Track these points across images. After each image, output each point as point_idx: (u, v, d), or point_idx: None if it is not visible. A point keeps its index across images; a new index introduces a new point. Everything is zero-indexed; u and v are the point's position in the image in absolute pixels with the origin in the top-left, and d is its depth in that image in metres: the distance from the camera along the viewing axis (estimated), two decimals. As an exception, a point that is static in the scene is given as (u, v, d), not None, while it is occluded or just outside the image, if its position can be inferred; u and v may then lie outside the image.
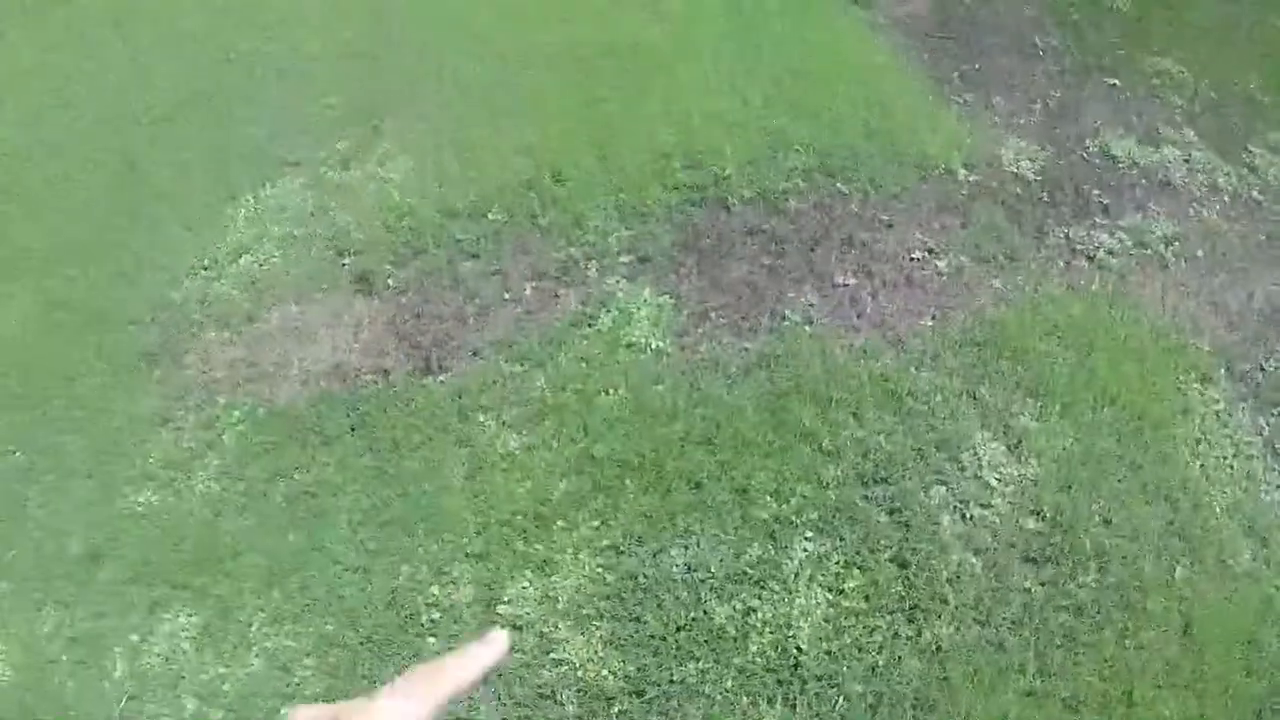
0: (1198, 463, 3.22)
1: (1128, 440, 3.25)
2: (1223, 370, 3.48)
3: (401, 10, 5.66)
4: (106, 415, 3.54)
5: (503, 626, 2.73)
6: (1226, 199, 4.14)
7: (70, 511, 3.24)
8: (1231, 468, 3.23)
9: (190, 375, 3.62)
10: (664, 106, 4.48)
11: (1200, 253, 3.89)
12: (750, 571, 2.87)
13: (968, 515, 3.02)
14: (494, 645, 0.67)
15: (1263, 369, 3.51)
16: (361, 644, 2.78)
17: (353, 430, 3.30)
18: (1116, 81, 4.81)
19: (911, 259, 3.72)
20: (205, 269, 4.00)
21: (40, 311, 4.09)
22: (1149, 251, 3.88)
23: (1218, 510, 3.11)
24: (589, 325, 3.53)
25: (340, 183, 4.22)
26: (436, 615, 2.81)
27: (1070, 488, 3.10)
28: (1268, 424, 3.35)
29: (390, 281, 3.80)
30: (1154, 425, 3.29)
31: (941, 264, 3.71)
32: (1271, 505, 3.14)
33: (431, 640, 2.76)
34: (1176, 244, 3.92)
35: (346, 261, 3.92)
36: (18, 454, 3.49)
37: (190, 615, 2.89)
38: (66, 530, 3.19)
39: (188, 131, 4.88)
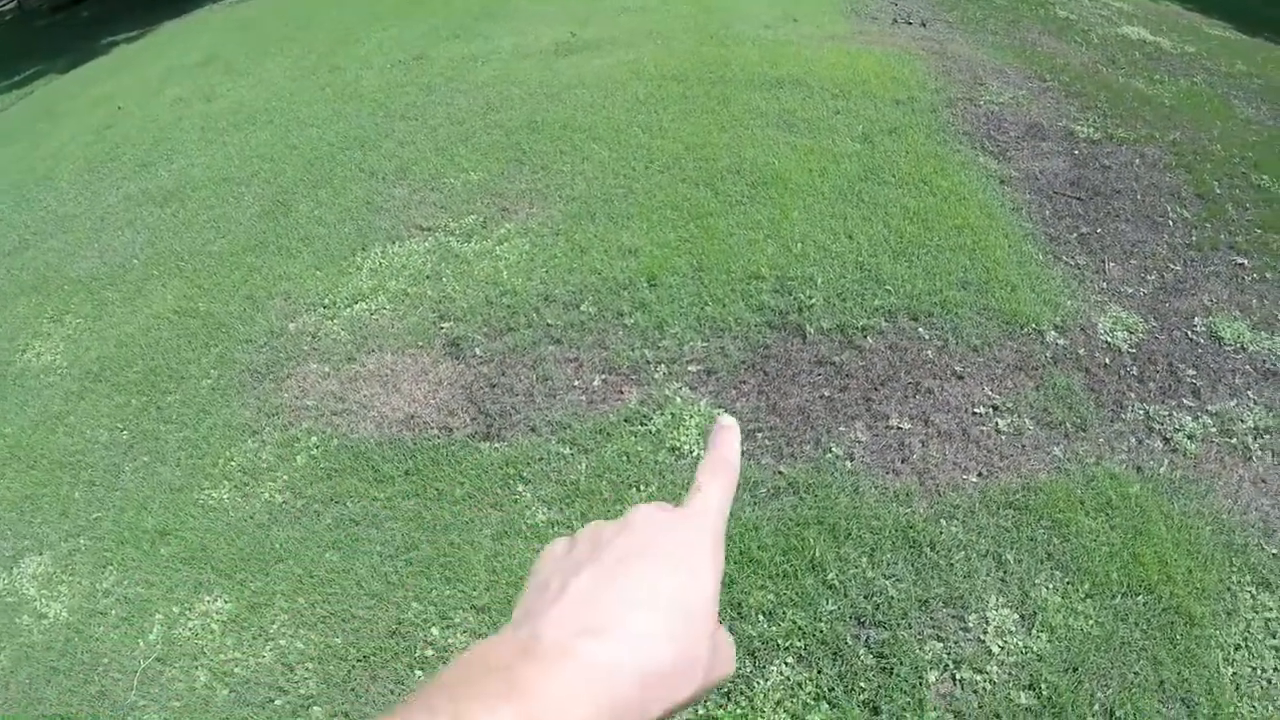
0: (1230, 670, 3.28)
1: (1155, 633, 3.37)
2: None
3: (556, 108, 6.87)
4: (206, 416, 4.59)
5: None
6: None
7: (154, 491, 4.25)
8: (1269, 681, 3.27)
9: (286, 398, 4.59)
10: (770, 230, 5.20)
11: None
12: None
13: (958, 676, 3.26)
14: (729, 430, 0.69)
15: None
16: (359, 661, 3.38)
17: (406, 474, 4.06)
18: (1244, 261, 5.06)
19: (974, 413, 4.10)
20: (324, 307, 5.06)
21: (173, 313, 5.32)
22: (1234, 441, 4.03)
23: None
24: (641, 424, 4.15)
25: (459, 253, 5.22)
26: (430, 653, 3.38)
27: (1076, 669, 3.27)
28: None
29: (478, 350, 4.64)
30: (1190, 622, 3.40)
31: (1003, 422, 4.06)
32: None
33: (419, 673, 3.32)
34: (1267, 437, 4.05)
35: (445, 326, 4.83)
36: (124, 432, 4.63)
37: (225, 602, 3.67)
38: (147, 506, 4.18)
39: (343, 180, 6.10)
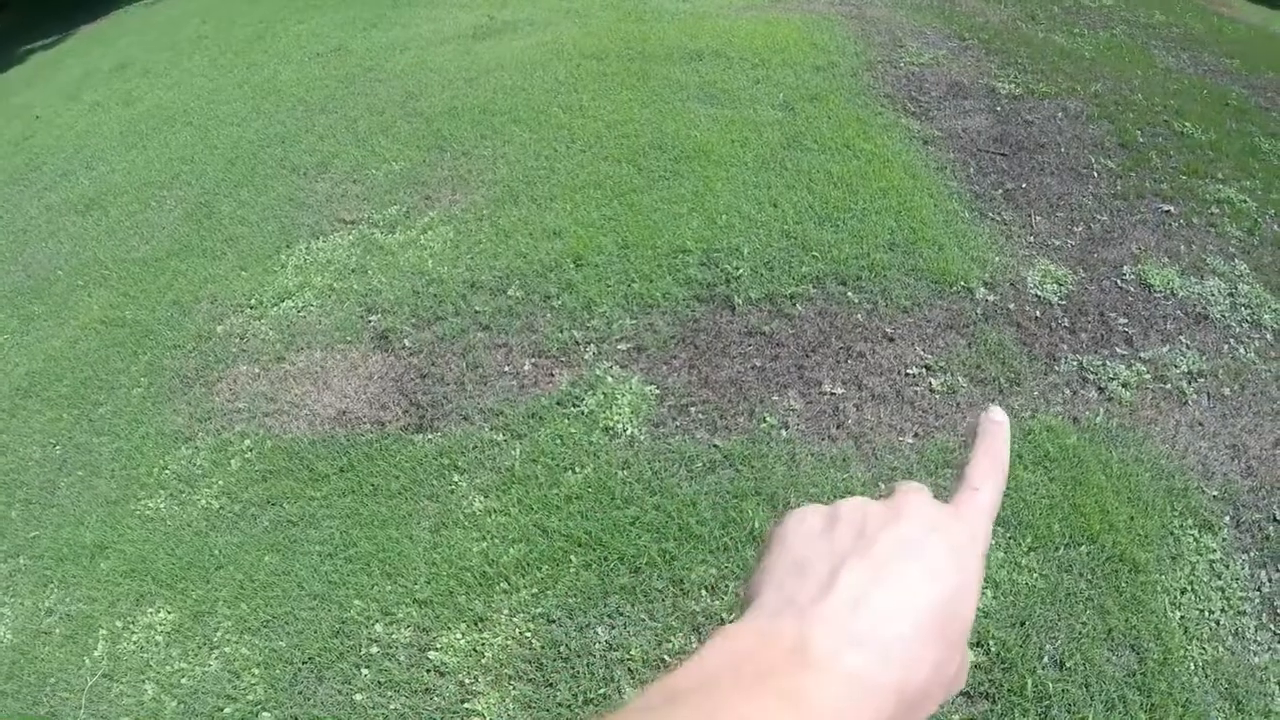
0: (1178, 613, 3.31)
1: (1100, 582, 3.39)
2: (1227, 518, 3.59)
3: (475, 93, 6.80)
4: (138, 426, 4.42)
5: (429, 675, 3.40)
6: (1269, 337, 4.31)
7: (90, 505, 4.09)
8: (1217, 623, 3.30)
9: (217, 402, 4.43)
10: (695, 203, 5.12)
11: (1227, 391, 4.04)
12: (669, 660, 3.21)
13: None
14: (1001, 425, 0.63)
15: (1275, 520, 3.57)
16: (305, 663, 3.30)
17: (341, 471, 3.94)
18: (1170, 208, 5.11)
19: (907, 374, 4.07)
20: (250, 308, 4.90)
21: (100, 323, 5.17)
22: (1168, 386, 4.06)
23: (1192, 666, 3.18)
24: (574, 405, 4.08)
25: (384, 244, 5.08)
26: (375, 650, 3.30)
27: (1024, 624, 3.27)
28: (1269, 579, 3.40)
29: (407, 342, 4.52)
30: (1134, 569, 3.42)
31: (936, 382, 4.04)
32: (1258, 668, 3.17)
33: (365, 672, 3.24)
34: (1201, 380, 4.09)
35: (373, 319, 4.69)
36: (57, 447, 4.46)
37: (168, 613, 3.55)
38: (84, 521, 4.02)
39: (264, 178, 5.97)
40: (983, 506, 0.57)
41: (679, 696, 0.44)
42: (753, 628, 0.49)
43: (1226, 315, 4.45)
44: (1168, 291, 4.58)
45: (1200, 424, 3.93)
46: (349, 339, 4.66)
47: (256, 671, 3.34)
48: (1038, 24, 8.40)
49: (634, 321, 4.47)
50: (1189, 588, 3.40)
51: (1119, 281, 4.65)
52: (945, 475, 3.70)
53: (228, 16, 12.20)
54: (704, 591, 3.45)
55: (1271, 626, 3.29)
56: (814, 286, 4.57)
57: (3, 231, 7.07)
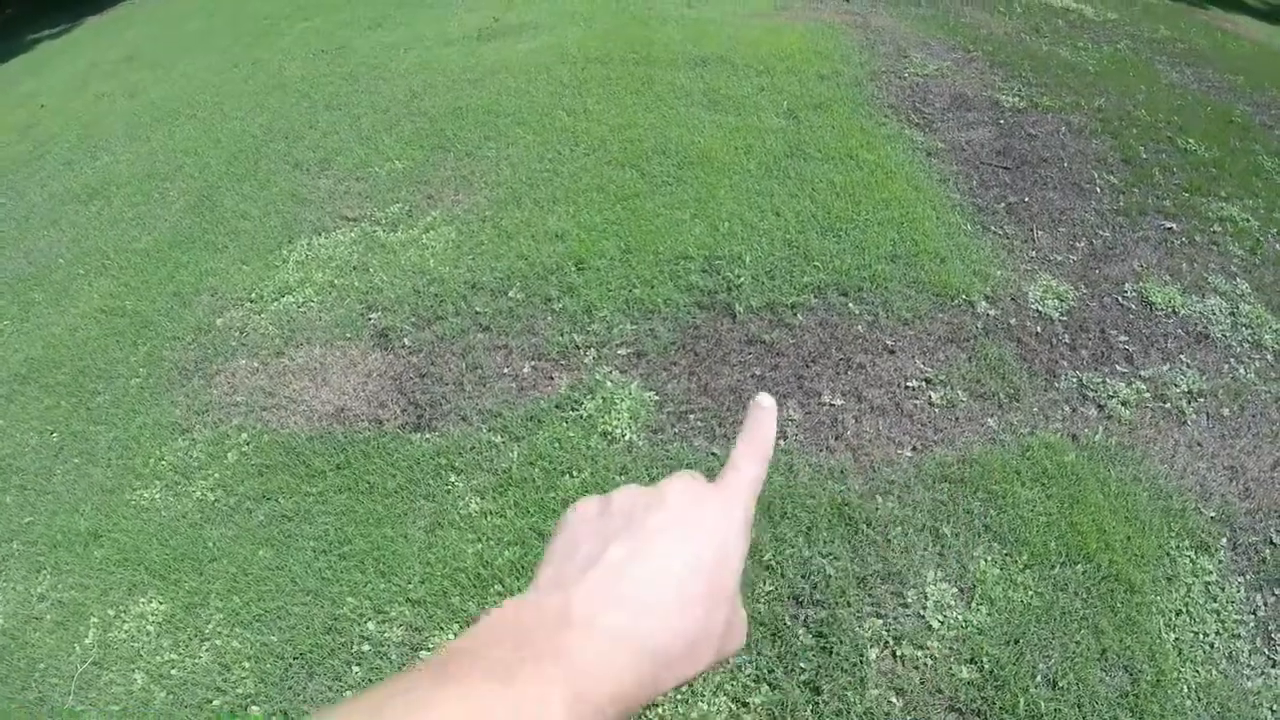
0: (1172, 635, 3.29)
1: (1095, 601, 3.38)
2: (1224, 540, 3.56)
3: (480, 94, 6.79)
4: (136, 416, 4.41)
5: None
6: (1270, 358, 4.30)
7: (86, 493, 4.07)
8: (1211, 645, 3.28)
9: (215, 395, 4.41)
10: (698, 210, 5.11)
11: (1226, 412, 4.03)
12: None
13: (898, 653, 3.23)
14: (767, 410, 0.70)
15: (1272, 543, 3.55)
16: (295, 659, 3.28)
17: (338, 468, 3.92)
18: (1173, 226, 5.10)
19: (907, 387, 4.05)
20: (251, 302, 4.88)
21: (100, 312, 5.15)
22: (1168, 405, 4.04)
23: (1185, 689, 3.16)
24: (572, 409, 4.06)
25: (385, 243, 5.07)
26: (366, 648, 3.28)
27: (1017, 641, 3.25)
28: (1265, 603, 3.38)
29: (406, 341, 4.50)
30: (1130, 589, 3.40)
31: (936, 395, 4.02)
32: (1250, 693, 3.16)
33: (356, 669, 3.22)
34: (1201, 400, 4.07)
35: (373, 316, 4.67)
36: (54, 434, 4.45)
37: (160, 603, 3.53)
38: (79, 509, 4.01)
39: (268, 172, 5.95)
40: (744, 482, 0.64)
41: (466, 659, 0.49)
42: (523, 601, 0.54)
43: (1227, 335, 4.44)
44: (1169, 309, 4.56)
45: (1199, 444, 3.91)
46: (349, 336, 4.64)
47: (247, 665, 3.33)
48: (1042, 37, 8.40)
49: (634, 327, 4.45)
50: (1184, 609, 3.38)
51: (1120, 298, 4.63)
52: (943, 490, 3.71)
53: (234, 12, 12.21)
54: (697, 600, 3.42)
55: (1265, 651, 3.27)
56: (815, 296, 4.56)
57: (5, 218, 7.06)
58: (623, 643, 0.51)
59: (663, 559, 0.56)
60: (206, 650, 3.40)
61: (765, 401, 0.70)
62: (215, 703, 3.21)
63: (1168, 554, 3.53)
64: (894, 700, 3.15)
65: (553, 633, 0.51)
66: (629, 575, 0.54)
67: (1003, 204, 5.27)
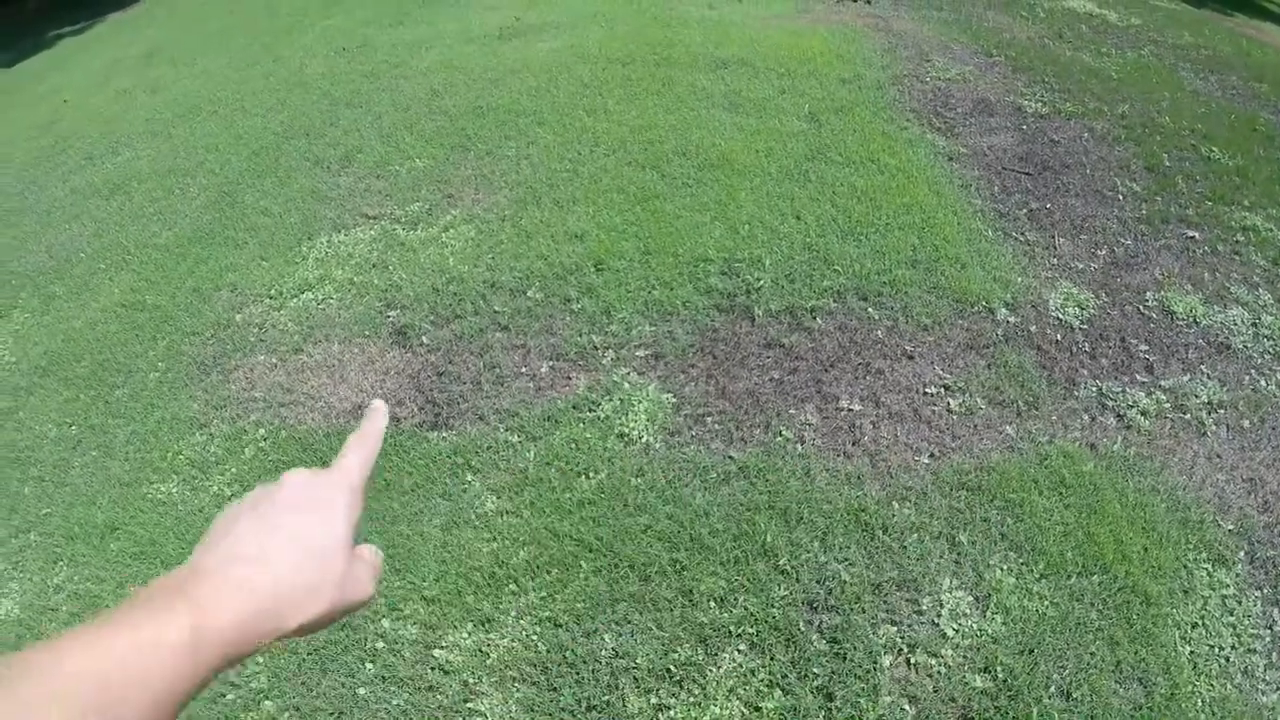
0: (1187, 648, 3.27)
1: (1111, 613, 3.35)
2: (1242, 554, 3.53)
3: (501, 93, 6.80)
4: (154, 410, 4.44)
5: (433, 672, 3.38)
6: None
7: (103, 486, 4.10)
8: (1227, 659, 3.25)
9: (233, 390, 4.43)
10: (718, 212, 5.10)
11: (1246, 424, 3.99)
12: (674, 670, 3.20)
13: (912, 660, 3.22)
14: (377, 415, 0.87)
15: None
16: (309, 655, 3.29)
17: (354, 466, 4.04)
18: (1195, 235, 5.07)
19: (925, 393, 4.04)
20: (270, 298, 4.91)
21: (120, 306, 5.18)
22: (1187, 416, 4.01)
23: (1199, 703, 3.13)
24: (590, 410, 4.06)
25: (405, 241, 5.09)
26: (380, 645, 3.29)
27: (1032, 651, 3.24)
28: None
29: (425, 339, 4.51)
30: (1146, 601, 3.38)
31: (955, 402, 4.00)
32: (1265, 708, 3.13)
33: (369, 666, 3.23)
34: (1221, 411, 4.04)
35: (392, 314, 4.69)
36: (73, 427, 4.48)
37: None
38: (96, 501, 4.03)
39: (288, 169, 5.97)
40: (348, 468, 0.80)
41: (120, 605, 0.62)
42: (180, 567, 0.69)
43: (1249, 346, 4.41)
44: (1190, 319, 4.53)
45: (1218, 456, 3.87)
46: (367, 333, 4.66)
47: (260, 660, 3.32)
48: (1065, 42, 8.36)
49: (653, 328, 4.45)
50: (1200, 622, 3.35)
51: (1141, 307, 4.61)
52: (960, 497, 3.70)
53: (256, 8, 12.25)
54: (712, 603, 3.41)
55: (1282, 666, 3.20)
56: (835, 300, 4.55)
57: (27, 213, 7.10)
58: (243, 587, 0.66)
59: (276, 527, 0.71)
60: (220, 645, 3.40)
61: (378, 404, 0.88)
62: (229, 697, 3.21)
63: (1185, 566, 3.50)
64: (907, 708, 3.14)
65: (185, 582, 0.65)
66: (251, 539, 0.70)
67: (1024, 210, 5.24)
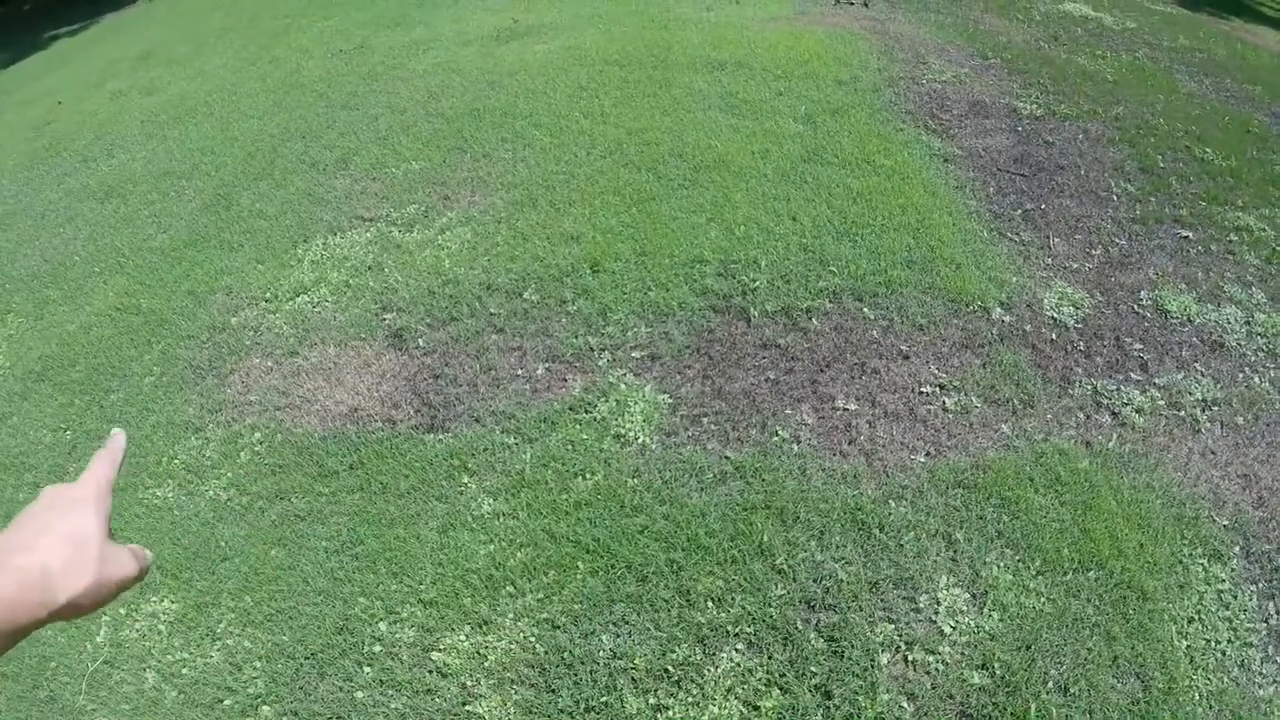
0: (1184, 642, 3.28)
1: (1107, 608, 3.37)
2: (1237, 549, 3.55)
3: (497, 95, 6.81)
4: (149, 414, 4.43)
5: (431, 675, 3.38)
6: None
7: (98, 490, 4.17)
8: (1223, 653, 3.27)
9: (229, 394, 4.43)
10: (714, 213, 5.12)
11: (1240, 420, 4.01)
12: (672, 670, 3.21)
13: (910, 658, 3.23)
14: (117, 439, 1.05)
15: None
16: (306, 659, 3.29)
17: (351, 468, 3.93)
18: (1189, 234, 5.09)
19: (921, 393, 4.05)
20: (266, 301, 4.90)
21: (115, 310, 5.17)
22: (1182, 413, 4.03)
23: (1196, 697, 3.14)
24: (586, 411, 4.06)
25: (401, 243, 5.09)
26: (377, 649, 3.29)
27: (1029, 647, 3.25)
28: (1277, 611, 3.37)
29: (421, 341, 4.52)
30: (1143, 596, 3.39)
31: (950, 401, 4.02)
32: (1262, 701, 3.14)
33: (367, 670, 3.23)
34: (1215, 408, 4.06)
35: (388, 317, 4.69)
36: (68, 432, 4.49)
37: (172, 602, 3.54)
38: (91, 507, 4.10)
39: (284, 171, 5.97)
40: (95, 475, 0.96)
41: None
42: None
43: (1242, 344, 4.43)
44: (1184, 318, 4.56)
45: (1213, 452, 3.90)
46: (363, 336, 4.66)
47: (258, 665, 3.33)
48: (1060, 45, 8.39)
49: (649, 329, 4.46)
50: (1196, 617, 3.36)
51: (1135, 306, 4.63)
52: (956, 495, 3.71)
53: (252, 10, 12.25)
54: (710, 603, 3.42)
55: (1277, 659, 3.25)
56: (830, 301, 4.56)
57: (21, 215, 7.09)
58: (12, 571, 0.81)
59: (42, 524, 0.87)
60: (218, 649, 3.40)
61: (117, 431, 1.07)
62: (226, 702, 3.21)
63: (1180, 562, 3.52)
64: (905, 705, 3.14)
65: None
66: (19, 536, 0.85)
67: (1019, 211, 5.26)
